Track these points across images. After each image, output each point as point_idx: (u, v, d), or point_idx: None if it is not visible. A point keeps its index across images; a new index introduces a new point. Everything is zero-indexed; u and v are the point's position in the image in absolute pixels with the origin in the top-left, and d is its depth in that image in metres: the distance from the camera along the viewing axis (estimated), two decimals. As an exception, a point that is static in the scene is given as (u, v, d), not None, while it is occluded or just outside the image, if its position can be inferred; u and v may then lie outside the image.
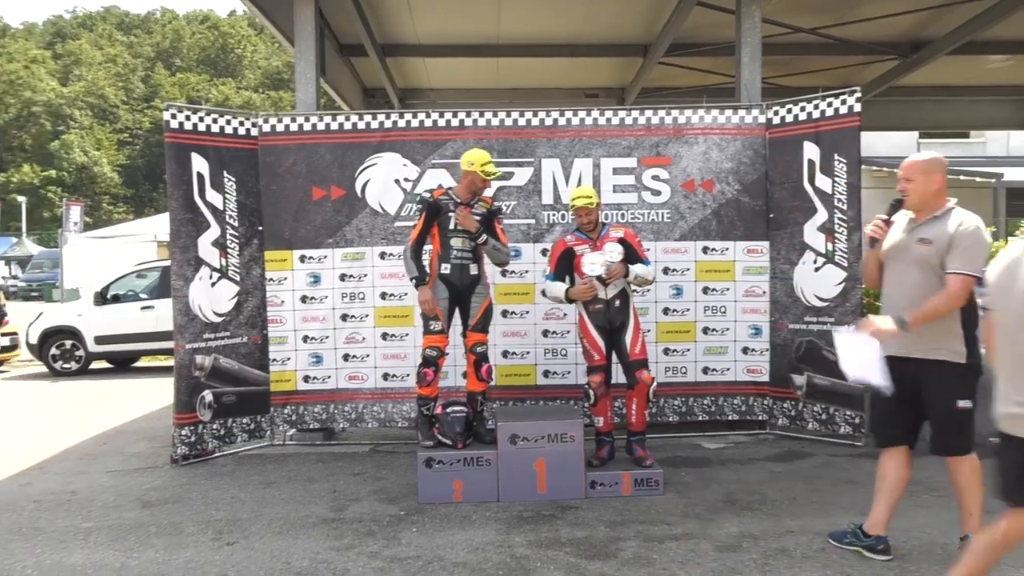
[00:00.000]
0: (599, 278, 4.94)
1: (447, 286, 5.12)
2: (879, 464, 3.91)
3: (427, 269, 5.17)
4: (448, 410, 5.05)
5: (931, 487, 4.89)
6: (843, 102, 5.91)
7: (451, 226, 5.11)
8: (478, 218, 5.15)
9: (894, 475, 3.84)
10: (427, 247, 5.25)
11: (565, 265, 5.13)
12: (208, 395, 5.95)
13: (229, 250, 6.12)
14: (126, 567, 3.91)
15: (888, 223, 3.85)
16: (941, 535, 4.08)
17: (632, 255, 5.07)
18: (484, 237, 5.14)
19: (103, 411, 8.18)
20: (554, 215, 6.28)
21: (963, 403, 3.61)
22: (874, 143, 18.63)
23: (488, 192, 6.11)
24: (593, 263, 4.92)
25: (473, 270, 5.19)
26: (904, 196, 3.73)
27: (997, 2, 7.89)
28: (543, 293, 5.96)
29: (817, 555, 3.89)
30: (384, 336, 6.26)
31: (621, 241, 5.09)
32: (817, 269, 6.03)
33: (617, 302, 5.06)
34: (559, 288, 5.07)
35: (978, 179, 17.48)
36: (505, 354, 6.24)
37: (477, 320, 5.20)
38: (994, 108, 13.11)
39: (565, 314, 6.14)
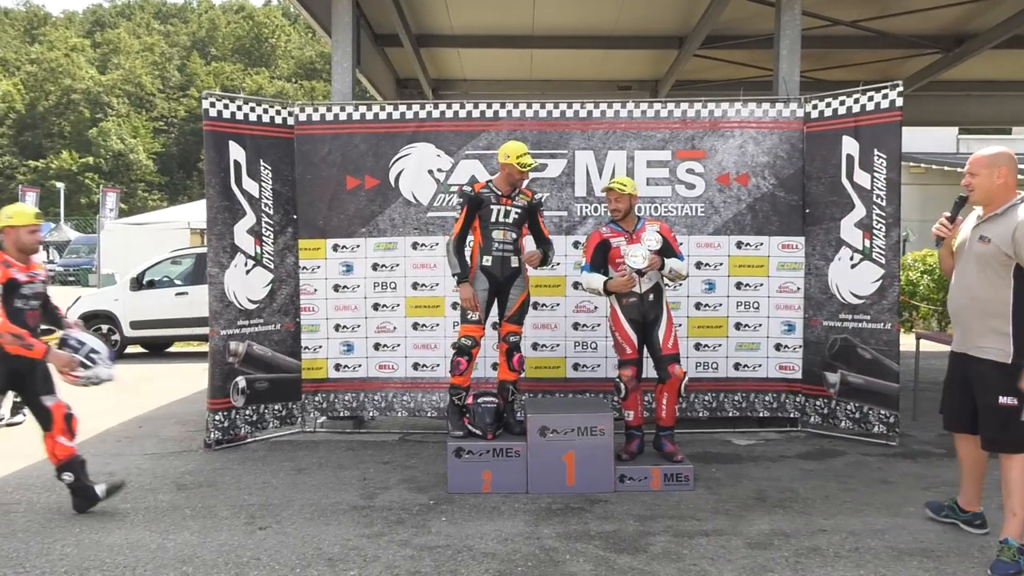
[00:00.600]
0: (637, 270, 4.91)
1: (488, 278, 5.14)
2: (957, 449, 4.07)
3: (468, 264, 5.17)
4: (479, 400, 5.06)
5: (968, 490, 4.82)
6: (884, 96, 5.79)
7: (492, 219, 5.12)
8: (519, 211, 5.17)
9: (970, 457, 3.98)
10: (470, 239, 5.27)
11: (601, 257, 5.10)
12: (241, 381, 6.02)
13: (264, 238, 6.18)
14: (162, 548, 3.99)
15: (952, 221, 3.83)
16: (979, 537, 4.00)
17: (667, 249, 5.03)
18: (549, 257, 5.27)
19: (138, 395, 8.33)
20: (587, 207, 6.25)
21: (1005, 400, 3.59)
22: (912, 138, 18.28)
23: (524, 183, 6.15)
24: (635, 255, 4.86)
25: (514, 262, 5.19)
26: (969, 191, 3.71)
27: (1046, -6, 7.68)
28: (575, 285, 5.96)
29: (850, 554, 3.85)
30: (415, 326, 6.29)
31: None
32: (854, 266, 5.93)
33: (651, 296, 5.03)
34: (597, 280, 5.04)
35: (1021, 176, 17.06)
36: (535, 346, 6.24)
37: (514, 312, 5.21)
38: (1039, 104, 12.77)
39: (596, 307, 6.12)
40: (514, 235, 5.17)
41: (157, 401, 7.98)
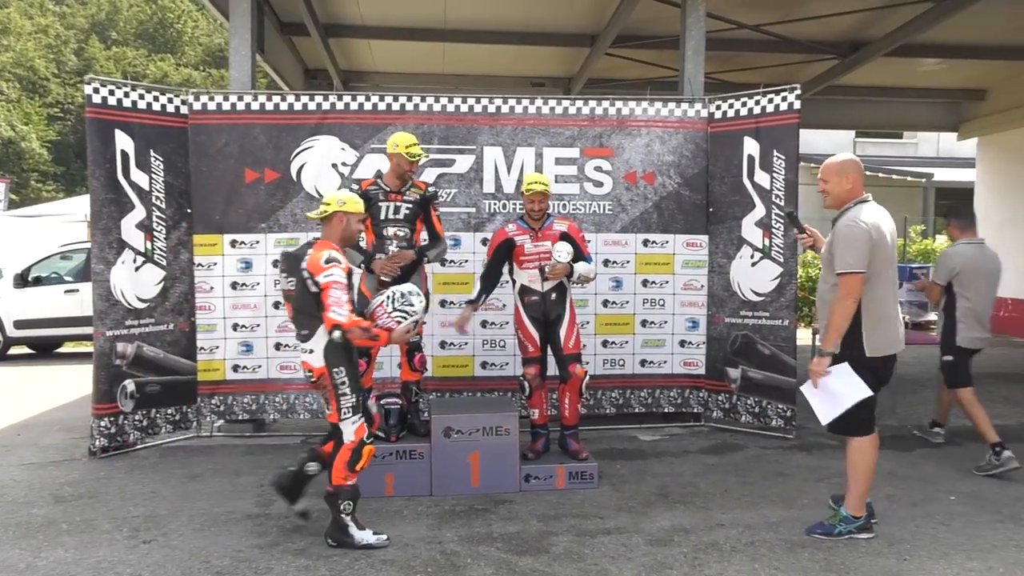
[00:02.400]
0: (541, 269, 4.90)
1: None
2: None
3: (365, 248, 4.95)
4: (382, 402, 4.93)
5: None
6: (783, 99, 5.96)
7: (382, 216, 4.92)
8: (409, 206, 4.98)
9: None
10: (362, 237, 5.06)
11: (503, 255, 5.05)
12: (130, 384, 5.69)
13: (155, 233, 5.86)
14: (32, 568, 3.69)
15: (801, 231, 4.29)
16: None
17: (574, 250, 4.99)
18: (425, 256, 4.98)
19: (20, 399, 7.79)
20: (495, 204, 6.18)
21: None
22: (814, 140, 19.07)
23: (428, 178, 6.02)
24: (560, 251, 4.84)
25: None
26: (824, 195, 4.03)
27: (932, 7, 8.08)
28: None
29: (746, 548, 3.92)
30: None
31: (564, 235, 5.01)
32: (754, 264, 6.08)
33: (553, 295, 5.00)
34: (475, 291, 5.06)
35: (909, 178, 18.08)
36: (443, 344, 6.14)
37: None
38: (926, 110, 13.50)
39: (504, 305, 6.07)
40: (407, 231, 5.01)
41: (40, 406, 7.48)
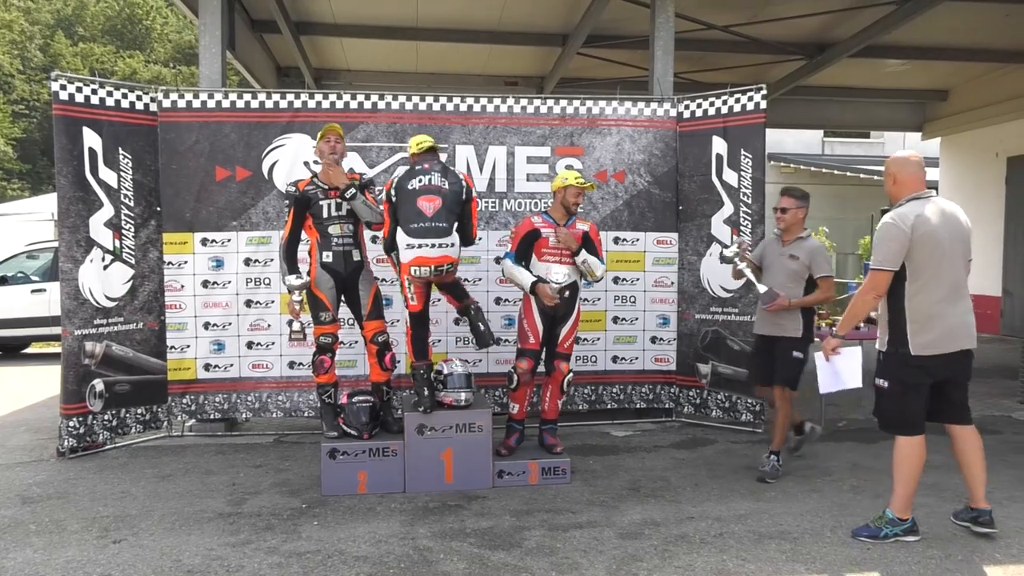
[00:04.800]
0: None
1: (331, 275, 4.93)
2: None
3: (300, 269, 4.93)
4: (353, 400, 4.93)
5: (825, 472, 5.12)
6: (750, 99, 6.05)
7: (324, 215, 4.91)
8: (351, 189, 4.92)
9: (956, 451, 4.00)
10: (306, 239, 5.03)
11: (527, 245, 5.09)
12: (99, 384, 5.64)
13: (124, 231, 5.80)
14: (0, 569, 3.66)
15: None
16: (831, 518, 4.25)
17: (591, 251, 5.06)
18: (352, 191, 4.85)
19: (-15, 401, 7.66)
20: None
21: (880, 382, 3.89)
22: (783, 140, 19.33)
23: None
24: (559, 274, 4.94)
25: (356, 256, 5.01)
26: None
27: (895, 9, 8.25)
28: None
29: (715, 540, 3.99)
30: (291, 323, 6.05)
31: (585, 236, 5.07)
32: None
33: (566, 293, 5.05)
34: (526, 279, 4.96)
35: (876, 177, 18.36)
36: (416, 342, 6.14)
37: (370, 309, 5.03)
38: (891, 110, 13.77)
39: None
40: (352, 227, 4.98)
41: (6, 407, 7.36)
